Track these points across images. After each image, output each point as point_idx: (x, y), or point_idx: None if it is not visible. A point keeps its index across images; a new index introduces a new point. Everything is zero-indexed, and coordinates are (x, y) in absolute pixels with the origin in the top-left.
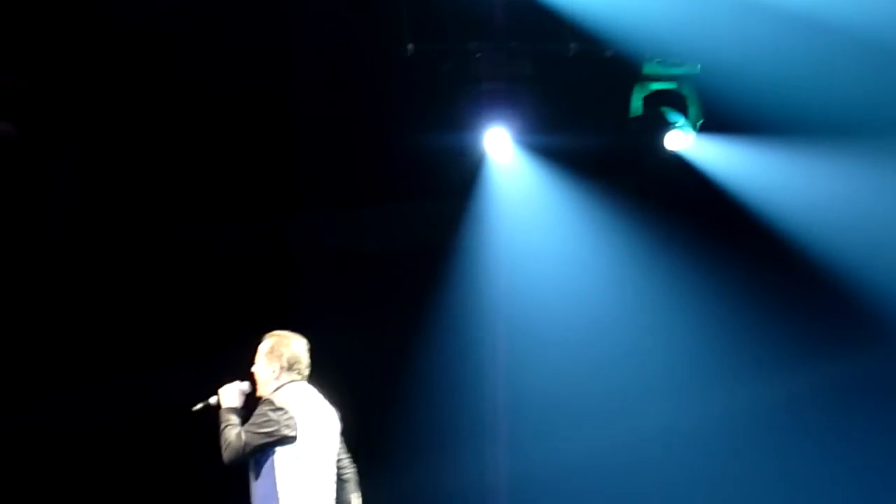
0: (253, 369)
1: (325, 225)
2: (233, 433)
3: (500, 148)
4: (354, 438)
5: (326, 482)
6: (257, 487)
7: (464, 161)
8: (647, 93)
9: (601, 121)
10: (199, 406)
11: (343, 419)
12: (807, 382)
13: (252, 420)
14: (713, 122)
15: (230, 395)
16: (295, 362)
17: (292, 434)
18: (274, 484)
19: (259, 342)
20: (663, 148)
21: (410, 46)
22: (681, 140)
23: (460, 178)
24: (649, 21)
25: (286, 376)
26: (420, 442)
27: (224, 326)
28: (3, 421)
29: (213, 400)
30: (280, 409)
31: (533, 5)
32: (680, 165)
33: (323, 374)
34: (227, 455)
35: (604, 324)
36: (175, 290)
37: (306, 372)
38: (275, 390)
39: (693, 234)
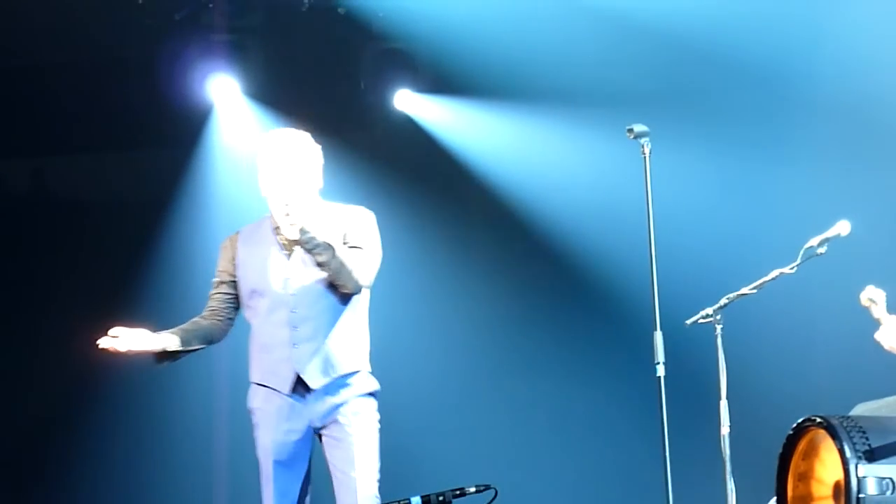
0: (297, 186)
1: (47, 170)
2: (355, 254)
3: (229, 99)
4: None
5: None
6: (338, 328)
7: (191, 111)
8: (379, 51)
9: (333, 77)
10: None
11: None
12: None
13: (363, 232)
14: (444, 84)
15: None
16: None
17: None
18: (364, 313)
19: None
20: (392, 108)
21: None
22: (410, 101)
23: (185, 128)
24: None
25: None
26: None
27: None
28: None
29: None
30: None
31: None
32: (410, 126)
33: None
34: (367, 280)
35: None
36: None
37: None
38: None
39: (424, 196)
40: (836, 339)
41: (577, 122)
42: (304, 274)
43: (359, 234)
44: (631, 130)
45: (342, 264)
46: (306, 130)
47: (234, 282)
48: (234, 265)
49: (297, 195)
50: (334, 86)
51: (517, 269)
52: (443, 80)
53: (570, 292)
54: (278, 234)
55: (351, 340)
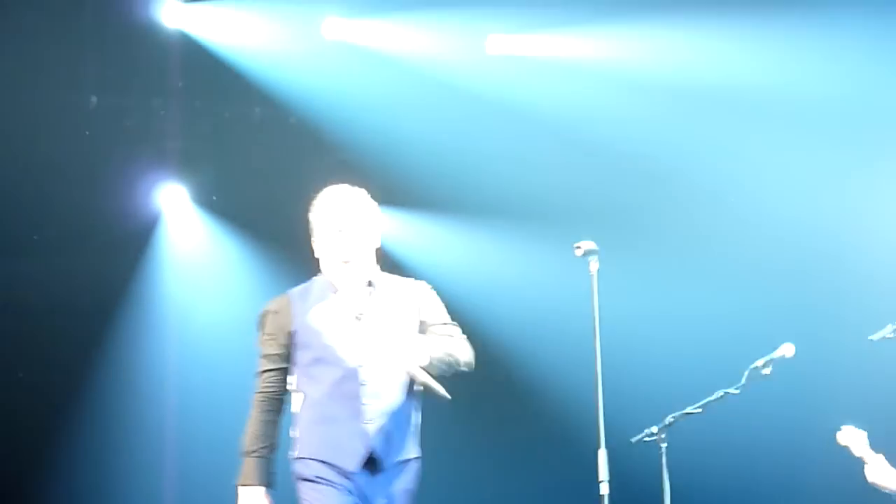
0: (364, 251)
1: None
2: (454, 341)
3: (178, 207)
4: None
5: None
6: (405, 404)
7: (140, 217)
8: (330, 162)
9: (283, 186)
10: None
11: None
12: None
13: (441, 310)
14: (394, 196)
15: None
16: None
17: None
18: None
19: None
20: None
21: (94, 99)
22: None
23: (134, 235)
24: (334, 91)
25: None
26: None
27: None
28: None
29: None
30: None
31: (221, 67)
32: None
33: None
34: (472, 359)
35: None
36: None
37: None
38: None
39: None
40: (780, 458)
41: (525, 236)
42: (376, 344)
43: (440, 314)
44: (579, 247)
45: (455, 361)
46: (254, 238)
47: (288, 353)
48: (288, 333)
49: (360, 254)
50: (284, 195)
51: (460, 383)
52: (393, 192)
53: (516, 408)
54: (340, 296)
55: (415, 421)
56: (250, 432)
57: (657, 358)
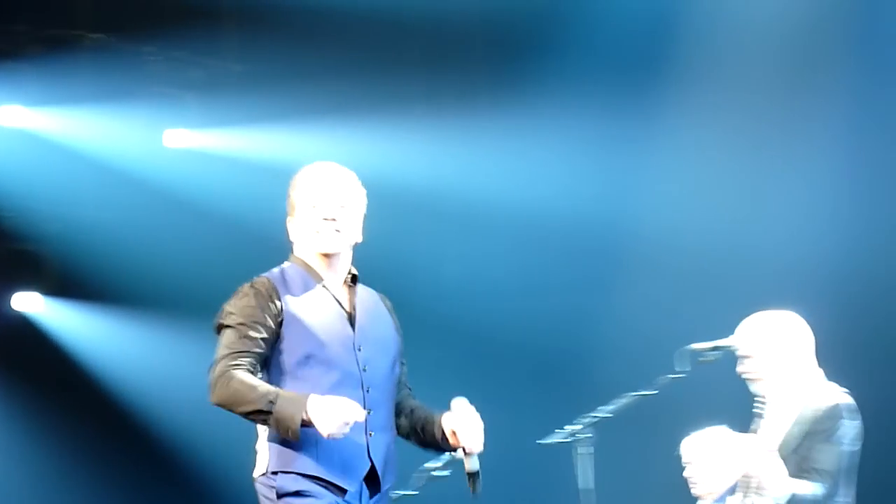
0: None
1: None
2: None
3: None
4: None
5: None
6: (393, 419)
7: None
8: (6, 250)
9: None
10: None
11: None
12: None
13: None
14: (71, 287)
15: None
16: None
17: None
18: None
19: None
20: (9, 307)
21: None
22: (29, 302)
23: None
24: (11, 180)
25: None
26: None
27: None
28: None
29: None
30: None
31: None
32: (27, 327)
33: None
34: None
35: None
36: None
37: None
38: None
39: (38, 399)
40: None
41: (204, 330)
42: (374, 346)
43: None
44: None
45: None
46: None
47: (271, 341)
48: (277, 320)
49: (347, 247)
50: None
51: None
52: (68, 282)
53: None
54: (326, 288)
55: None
56: (243, 390)
57: None
